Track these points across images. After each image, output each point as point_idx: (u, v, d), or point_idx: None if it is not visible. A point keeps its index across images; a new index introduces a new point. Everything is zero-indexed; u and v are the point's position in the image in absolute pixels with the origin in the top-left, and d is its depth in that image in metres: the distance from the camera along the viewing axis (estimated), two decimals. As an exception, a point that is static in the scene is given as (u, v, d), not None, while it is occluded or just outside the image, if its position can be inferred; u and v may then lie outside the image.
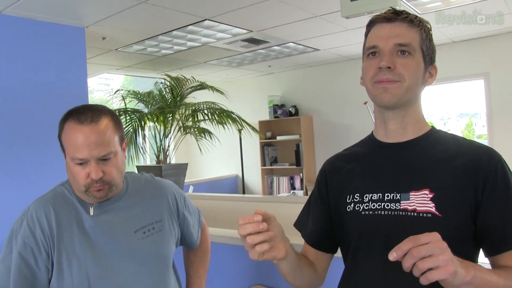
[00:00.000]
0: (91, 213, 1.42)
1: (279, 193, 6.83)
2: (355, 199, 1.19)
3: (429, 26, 1.19)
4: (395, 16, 1.16)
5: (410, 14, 1.17)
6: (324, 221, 1.29)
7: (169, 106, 5.05)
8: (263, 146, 7.04)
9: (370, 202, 1.15)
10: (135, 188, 1.54)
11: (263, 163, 7.05)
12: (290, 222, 4.13)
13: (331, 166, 1.33)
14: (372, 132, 1.29)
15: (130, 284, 1.42)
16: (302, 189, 6.57)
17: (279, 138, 6.87)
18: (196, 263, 1.78)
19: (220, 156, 7.20)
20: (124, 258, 1.42)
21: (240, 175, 7.18)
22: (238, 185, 7.42)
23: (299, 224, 1.39)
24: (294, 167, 6.69)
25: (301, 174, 6.63)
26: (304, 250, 1.35)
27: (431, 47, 1.19)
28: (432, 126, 1.23)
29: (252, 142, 6.77)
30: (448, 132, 1.24)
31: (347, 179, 1.24)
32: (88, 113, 1.36)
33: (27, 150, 3.36)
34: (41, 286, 1.36)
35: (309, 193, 5.09)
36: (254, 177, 7.24)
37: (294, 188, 6.73)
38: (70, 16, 3.56)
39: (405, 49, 1.13)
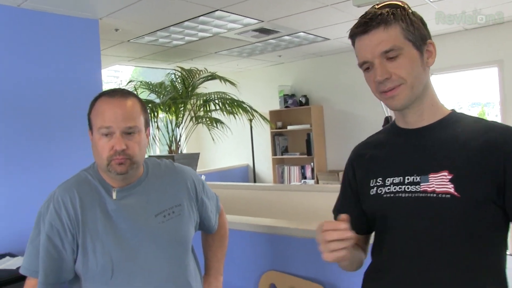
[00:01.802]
0: (114, 197, 1.47)
1: (290, 183, 6.86)
2: (377, 183, 1.23)
3: (404, 11, 1.16)
4: (368, 25, 1.14)
5: (381, 13, 1.14)
6: (355, 206, 1.33)
7: (181, 96, 5.09)
8: (274, 136, 7.06)
9: (392, 185, 1.19)
10: (155, 173, 1.59)
11: (274, 153, 7.07)
12: (301, 209, 4.14)
13: (356, 154, 1.37)
14: (394, 120, 1.32)
15: (151, 267, 1.47)
16: (313, 178, 6.59)
17: (289, 127, 6.90)
18: (215, 247, 1.83)
19: (231, 146, 7.25)
20: (145, 241, 1.47)
21: (251, 165, 7.21)
22: (249, 175, 7.46)
23: (335, 211, 1.44)
24: (305, 156, 6.71)
25: (312, 164, 6.65)
26: None
27: (416, 29, 1.15)
28: (452, 110, 1.24)
29: (263, 132, 6.80)
30: (470, 115, 1.24)
31: (370, 165, 1.29)
32: (118, 91, 1.48)
33: (43, 142, 3.41)
34: (67, 266, 1.43)
35: (320, 182, 5.10)
36: (265, 166, 7.28)
37: (305, 178, 6.75)
38: (84, 9, 3.60)
39: (392, 54, 1.13)
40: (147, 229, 1.48)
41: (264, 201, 4.51)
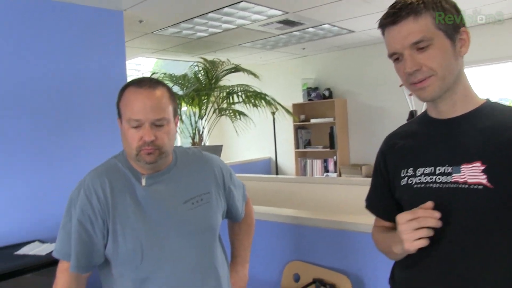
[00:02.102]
0: (143, 183, 1.48)
1: (312, 176, 6.84)
2: (408, 173, 1.22)
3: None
4: (398, 16, 1.12)
5: (411, 2, 1.11)
6: (386, 195, 1.33)
7: (204, 88, 5.11)
8: (297, 129, 7.04)
9: (422, 176, 1.18)
10: (184, 161, 1.60)
11: (297, 146, 7.06)
12: (324, 202, 4.13)
13: (387, 144, 1.36)
14: (426, 110, 1.29)
15: (179, 253, 1.48)
16: (335, 172, 6.56)
17: (312, 121, 6.86)
18: (241, 236, 1.83)
19: (254, 138, 7.26)
20: (173, 227, 1.48)
21: (274, 157, 7.20)
22: (271, 168, 7.45)
23: (368, 200, 1.44)
24: (328, 150, 6.67)
25: (334, 157, 6.61)
26: (381, 222, 1.40)
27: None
28: (487, 99, 1.21)
29: (286, 125, 6.79)
30: (505, 104, 1.21)
31: (402, 155, 1.27)
32: (147, 81, 1.47)
33: (68, 134, 3.45)
34: (98, 250, 1.45)
35: (343, 176, 5.10)
36: (287, 159, 7.26)
37: (327, 171, 6.72)
38: (109, -1, 3.63)
39: (422, 44, 1.10)
40: (175, 216, 1.49)
41: (287, 193, 4.51)
